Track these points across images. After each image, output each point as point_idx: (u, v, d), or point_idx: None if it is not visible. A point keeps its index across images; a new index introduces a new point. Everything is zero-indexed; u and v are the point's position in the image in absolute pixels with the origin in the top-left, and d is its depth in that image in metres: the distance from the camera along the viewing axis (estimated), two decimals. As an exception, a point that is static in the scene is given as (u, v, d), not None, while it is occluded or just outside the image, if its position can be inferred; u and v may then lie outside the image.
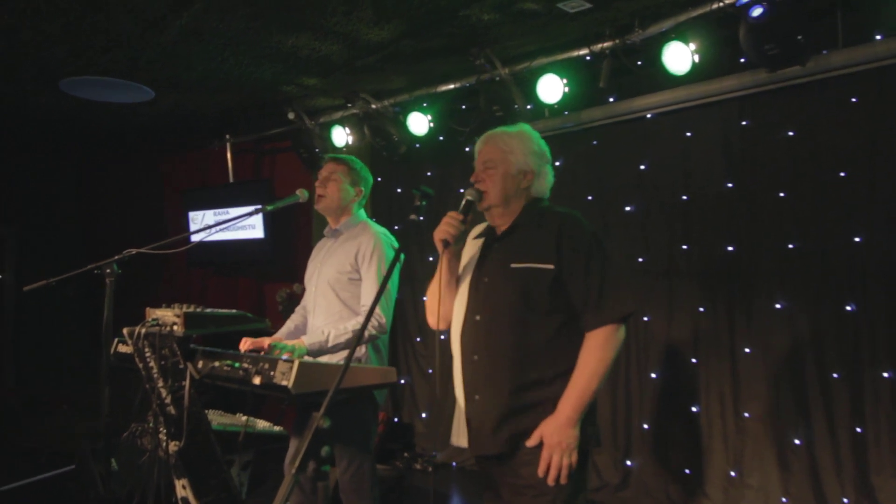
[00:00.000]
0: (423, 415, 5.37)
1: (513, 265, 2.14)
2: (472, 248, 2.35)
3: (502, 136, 2.28)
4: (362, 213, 3.22)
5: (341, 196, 3.10)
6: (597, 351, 2.06)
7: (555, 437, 2.01)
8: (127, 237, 4.00)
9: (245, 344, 2.78)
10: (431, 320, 2.36)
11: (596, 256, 2.12)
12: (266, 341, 2.84)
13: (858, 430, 3.56)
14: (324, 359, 2.87)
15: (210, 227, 2.96)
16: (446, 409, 2.27)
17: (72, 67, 4.40)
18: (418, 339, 5.43)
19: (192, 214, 6.41)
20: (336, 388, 1.63)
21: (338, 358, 2.93)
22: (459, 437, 2.23)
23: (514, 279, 2.13)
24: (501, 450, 2.11)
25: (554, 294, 2.09)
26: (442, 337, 2.33)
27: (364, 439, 2.98)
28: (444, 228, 2.17)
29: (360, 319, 2.88)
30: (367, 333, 2.86)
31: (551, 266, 2.09)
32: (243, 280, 6.63)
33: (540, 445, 2.04)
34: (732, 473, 3.95)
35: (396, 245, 3.10)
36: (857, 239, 3.56)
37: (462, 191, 2.25)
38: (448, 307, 2.30)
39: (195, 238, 4.76)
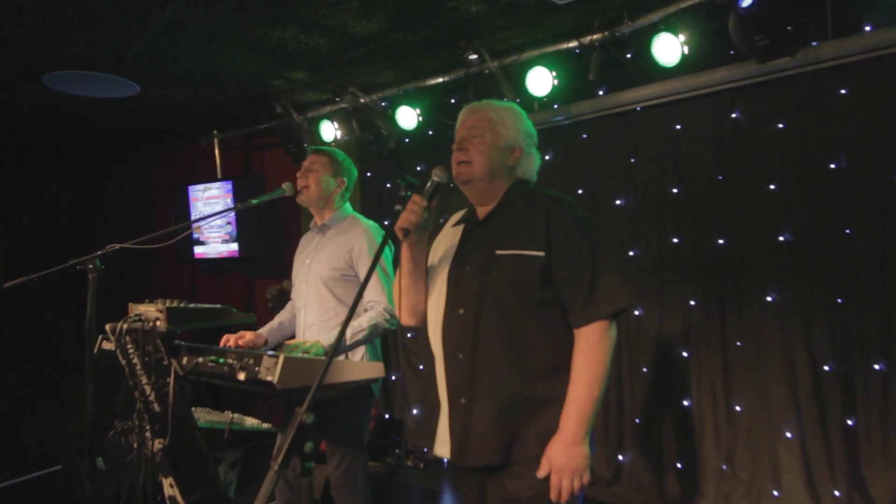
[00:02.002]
0: (414, 411, 5.35)
1: (498, 252, 1.95)
2: (450, 235, 2.16)
3: (492, 107, 2.09)
4: (348, 206, 3.18)
5: (322, 187, 3.05)
6: (590, 353, 1.87)
7: (562, 460, 1.83)
8: (117, 233, 3.95)
9: (229, 341, 2.74)
10: (399, 314, 2.20)
11: (587, 245, 1.94)
12: (248, 335, 2.80)
13: (850, 422, 3.55)
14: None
15: (192, 222, 2.92)
16: (433, 412, 2.14)
17: (55, 62, 4.34)
18: (409, 335, 5.40)
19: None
20: (319, 384, 1.60)
21: (357, 355, 2.95)
22: (442, 445, 2.04)
23: (500, 267, 1.94)
24: (491, 461, 1.93)
25: (544, 284, 1.91)
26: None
27: (356, 435, 2.96)
28: (405, 216, 1.97)
29: (372, 315, 2.84)
30: (381, 326, 2.84)
31: (541, 253, 1.91)
32: (233, 276, 6.59)
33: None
34: (724, 467, 3.94)
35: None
36: (847, 231, 3.55)
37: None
38: (414, 300, 2.12)
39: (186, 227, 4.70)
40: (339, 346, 2.73)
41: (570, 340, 1.94)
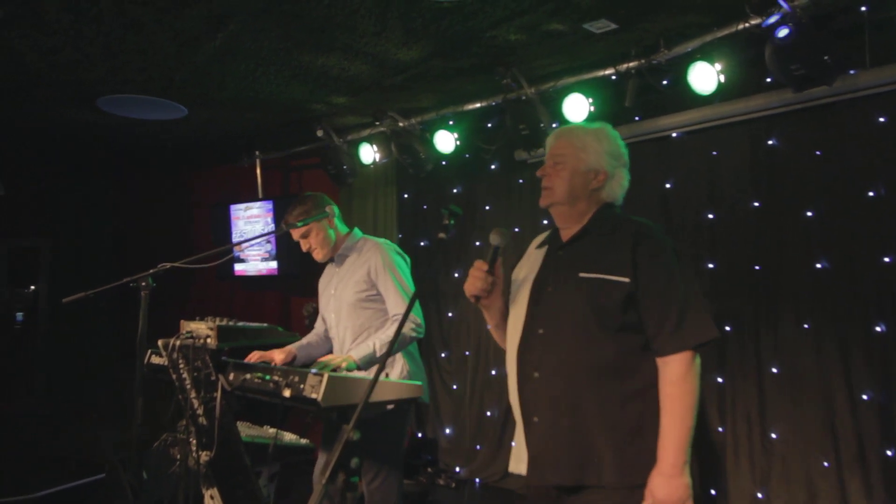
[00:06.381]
0: (447, 430, 5.38)
1: (581, 274, 1.96)
2: (533, 257, 2.19)
3: (576, 132, 2.15)
4: (357, 230, 3.32)
5: (323, 237, 3.21)
6: (679, 384, 1.85)
7: (662, 492, 1.80)
8: (158, 250, 4.09)
9: (253, 357, 2.81)
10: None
11: (676, 274, 1.93)
12: (274, 354, 2.87)
13: (889, 452, 3.51)
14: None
15: (238, 242, 3.03)
16: (493, 430, 2.17)
17: (109, 86, 4.54)
18: (443, 355, 5.45)
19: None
20: (366, 402, 1.67)
21: (398, 368, 3.06)
22: (518, 462, 2.04)
23: (583, 290, 1.94)
24: (564, 481, 1.92)
25: (626, 310, 1.91)
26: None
27: (393, 451, 3.03)
28: (472, 283, 2.05)
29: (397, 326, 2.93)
30: (407, 336, 2.93)
31: (626, 279, 1.91)
32: (269, 293, 6.72)
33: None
34: (759, 495, 3.90)
35: (399, 250, 3.22)
36: (886, 259, 3.53)
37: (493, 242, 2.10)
38: (502, 337, 2.19)
39: (228, 249, 4.83)
40: (372, 360, 2.85)
41: (648, 368, 1.92)
